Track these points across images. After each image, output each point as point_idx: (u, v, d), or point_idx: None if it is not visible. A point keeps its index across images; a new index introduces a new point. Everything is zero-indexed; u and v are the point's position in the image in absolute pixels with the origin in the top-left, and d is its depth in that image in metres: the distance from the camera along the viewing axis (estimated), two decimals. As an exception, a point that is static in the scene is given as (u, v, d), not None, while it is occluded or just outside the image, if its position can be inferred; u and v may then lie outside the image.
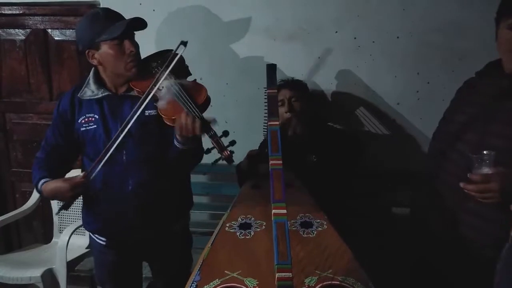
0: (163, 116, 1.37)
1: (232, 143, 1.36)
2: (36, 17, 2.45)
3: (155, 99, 1.39)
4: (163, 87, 1.40)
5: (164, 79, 1.39)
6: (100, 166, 1.40)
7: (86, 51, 1.43)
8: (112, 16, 1.42)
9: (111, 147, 1.39)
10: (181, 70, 1.47)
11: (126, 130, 1.39)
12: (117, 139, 1.39)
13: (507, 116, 1.20)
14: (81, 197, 1.58)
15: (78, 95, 1.49)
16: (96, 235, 1.60)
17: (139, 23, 1.43)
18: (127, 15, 1.46)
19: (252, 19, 2.13)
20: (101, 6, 2.24)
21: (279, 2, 2.10)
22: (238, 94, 2.21)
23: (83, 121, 1.49)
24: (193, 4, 2.16)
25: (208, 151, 1.37)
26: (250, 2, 2.11)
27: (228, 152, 1.32)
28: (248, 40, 2.14)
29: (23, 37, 2.50)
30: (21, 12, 2.43)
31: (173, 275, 1.67)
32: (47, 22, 2.45)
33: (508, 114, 1.20)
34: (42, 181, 1.46)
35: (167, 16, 2.18)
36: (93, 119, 1.48)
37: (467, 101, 1.36)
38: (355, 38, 2.07)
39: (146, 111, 1.43)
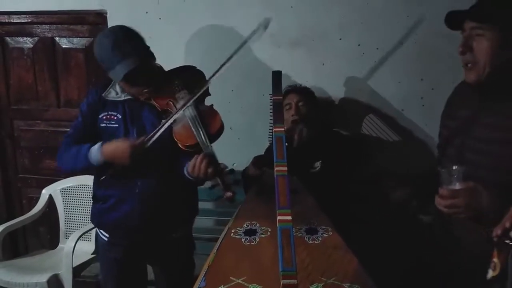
0: (177, 140, 1.41)
1: (236, 182, 1.43)
2: (43, 25, 2.48)
3: (172, 118, 1.42)
4: (181, 108, 1.43)
5: (184, 99, 1.43)
6: (157, 136, 1.40)
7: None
8: (118, 50, 1.35)
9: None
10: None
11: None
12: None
13: (480, 132, 1.20)
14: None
15: (103, 95, 1.52)
16: (101, 230, 1.64)
17: (144, 61, 1.39)
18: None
19: (256, 26, 2.14)
20: (108, 14, 2.27)
21: (283, 9, 2.11)
22: (243, 100, 2.22)
23: (104, 117, 1.51)
24: (198, 12, 2.19)
25: (213, 187, 1.41)
26: (255, 9, 2.12)
27: (230, 194, 1.36)
28: (253, 47, 2.16)
29: (31, 45, 2.53)
30: (29, 20, 2.47)
31: (175, 280, 1.68)
32: (55, 30, 2.48)
33: (481, 129, 1.20)
34: (97, 144, 1.45)
35: (173, 24, 2.20)
36: (115, 117, 1.51)
37: (448, 114, 1.39)
38: (359, 45, 2.08)
39: (162, 121, 1.45)
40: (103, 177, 1.49)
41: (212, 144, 1.43)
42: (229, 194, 1.36)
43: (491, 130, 1.17)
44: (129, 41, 1.38)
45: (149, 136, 1.41)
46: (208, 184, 1.45)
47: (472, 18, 1.17)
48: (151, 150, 1.45)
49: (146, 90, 1.45)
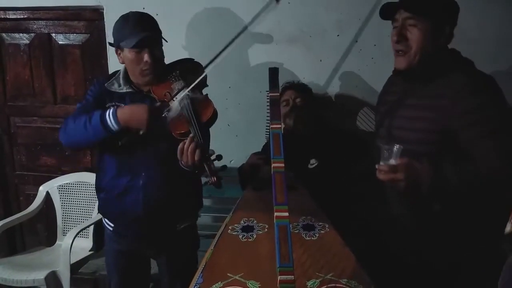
0: (170, 129, 1.42)
1: (223, 168, 1.42)
2: (40, 21, 2.47)
3: (168, 108, 1.45)
4: (176, 98, 1.46)
5: (180, 90, 1.45)
6: (170, 107, 1.42)
7: (115, 48, 1.52)
8: (139, 24, 1.46)
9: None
10: (199, 81, 1.50)
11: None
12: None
13: (404, 112, 1.37)
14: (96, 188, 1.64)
15: (105, 84, 1.55)
16: (106, 220, 1.67)
17: (157, 37, 1.50)
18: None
19: (254, 23, 2.13)
20: (104, 10, 2.27)
21: (280, 5, 2.10)
22: (241, 97, 2.22)
23: (111, 106, 1.51)
24: (195, 8, 2.18)
25: (200, 173, 1.41)
26: (252, 5, 2.11)
27: (215, 179, 1.36)
28: (250, 43, 2.15)
29: (27, 41, 2.51)
30: (25, 16, 2.45)
31: (179, 272, 1.69)
32: (51, 26, 2.47)
33: (405, 109, 1.37)
34: (111, 108, 1.42)
35: (170, 20, 2.19)
36: None
37: (380, 101, 1.58)
38: (356, 41, 2.08)
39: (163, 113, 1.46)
40: (120, 142, 1.44)
41: (211, 142, 1.45)
42: (213, 179, 1.36)
43: (413, 109, 1.34)
44: (150, 20, 1.52)
45: (164, 104, 1.44)
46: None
47: (406, 8, 1.29)
48: (156, 141, 1.47)
49: (147, 69, 1.46)
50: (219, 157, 1.39)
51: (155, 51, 1.48)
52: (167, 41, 1.55)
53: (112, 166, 1.56)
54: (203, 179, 1.44)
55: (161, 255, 1.72)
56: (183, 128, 1.41)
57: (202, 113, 1.45)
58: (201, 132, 1.39)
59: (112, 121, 1.40)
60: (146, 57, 1.45)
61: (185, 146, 1.35)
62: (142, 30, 1.45)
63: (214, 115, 1.48)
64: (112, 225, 1.65)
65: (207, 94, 1.56)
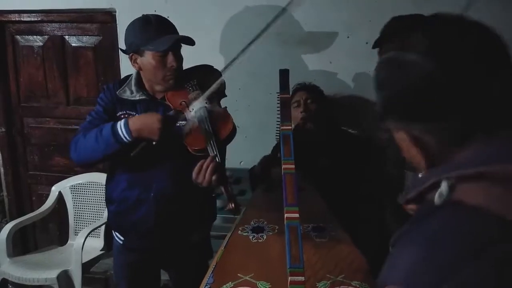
0: (186, 144, 1.36)
1: (242, 193, 1.34)
2: (53, 24, 2.51)
3: (183, 118, 1.40)
4: (193, 109, 1.39)
5: (197, 100, 1.39)
6: (186, 119, 1.36)
7: (130, 54, 1.42)
8: (163, 27, 1.40)
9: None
10: (217, 91, 1.44)
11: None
12: None
13: None
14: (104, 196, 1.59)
15: (117, 92, 1.47)
16: (117, 233, 1.62)
17: (188, 39, 1.42)
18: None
19: (264, 24, 2.14)
20: (117, 13, 2.30)
21: (289, 7, 2.11)
22: (251, 99, 2.23)
23: (122, 116, 1.46)
24: (206, 10, 2.20)
25: (218, 196, 1.35)
26: (262, 7, 2.13)
27: (233, 206, 1.30)
28: (260, 44, 2.15)
29: (41, 44, 2.56)
30: (39, 19, 2.50)
31: (189, 283, 1.63)
32: (65, 28, 2.51)
33: None
34: (123, 120, 1.35)
35: (181, 22, 2.19)
36: (133, 117, 1.45)
37: None
38: (366, 43, 2.07)
39: (177, 123, 1.41)
40: (133, 153, 1.36)
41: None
42: (231, 206, 1.30)
43: None
44: (171, 23, 1.46)
45: (179, 113, 1.38)
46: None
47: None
48: (168, 151, 1.40)
49: (171, 74, 1.40)
50: (238, 181, 1.33)
51: (179, 54, 1.42)
52: (193, 44, 1.45)
53: (123, 178, 1.50)
54: (219, 203, 1.37)
55: (171, 266, 1.68)
56: (200, 144, 1.34)
57: (220, 129, 1.37)
58: (220, 151, 1.33)
59: (124, 132, 1.33)
60: (172, 61, 1.37)
61: (204, 166, 1.28)
62: (171, 32, 1.39)
63: (233, 132, 1.40)
64: (122, 238, 1.59)
65: (226, 107, 1.48)
